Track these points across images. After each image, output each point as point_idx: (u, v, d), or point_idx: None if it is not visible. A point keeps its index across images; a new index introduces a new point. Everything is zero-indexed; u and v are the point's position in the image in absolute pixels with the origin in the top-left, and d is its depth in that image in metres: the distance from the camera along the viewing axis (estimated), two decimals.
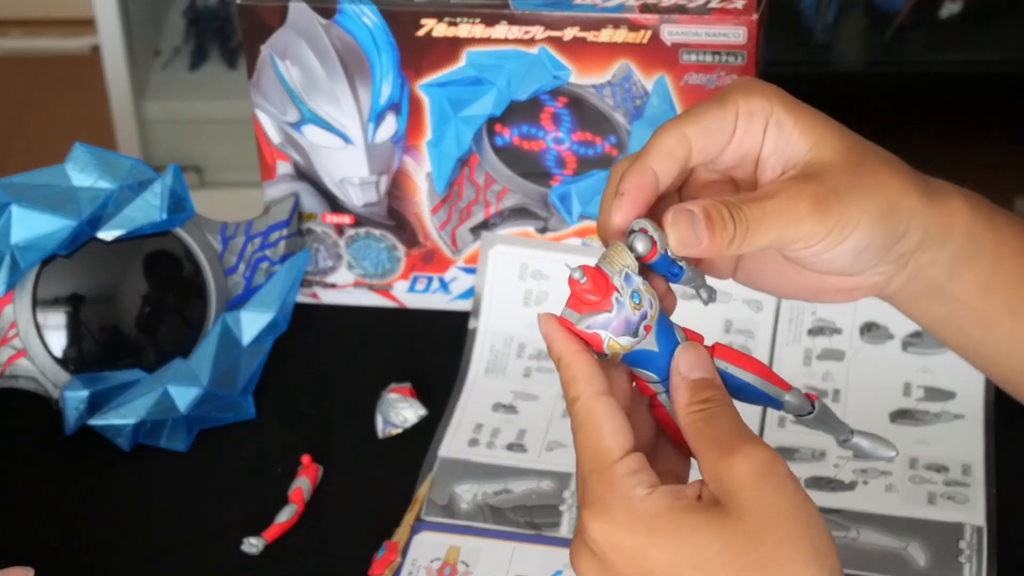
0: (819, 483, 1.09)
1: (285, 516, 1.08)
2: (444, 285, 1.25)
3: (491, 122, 1.19)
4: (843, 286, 0.86)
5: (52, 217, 1.12)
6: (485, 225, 1.23)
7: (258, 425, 1.17)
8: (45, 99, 2.68)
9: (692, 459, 0.81)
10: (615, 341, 0.79)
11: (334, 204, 1.23)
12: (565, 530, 1.07)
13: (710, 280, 0.85)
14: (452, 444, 1.13)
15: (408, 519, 1.08)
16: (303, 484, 1.10)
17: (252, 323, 1.16)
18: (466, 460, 1.12)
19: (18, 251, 1.12)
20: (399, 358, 1.21)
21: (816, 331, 1.18)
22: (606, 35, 1.15)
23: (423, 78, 1.18)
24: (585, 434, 0.77)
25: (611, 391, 0.79)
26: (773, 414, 1.14)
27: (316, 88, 1.19)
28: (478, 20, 1.15)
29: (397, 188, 1.22)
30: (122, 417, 1.12)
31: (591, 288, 0.78)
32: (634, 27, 1.14)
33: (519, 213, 1.22)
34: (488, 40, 1.16)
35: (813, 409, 0.83)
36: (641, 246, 0.81)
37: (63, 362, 1.16)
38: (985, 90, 2.33)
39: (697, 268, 0.84)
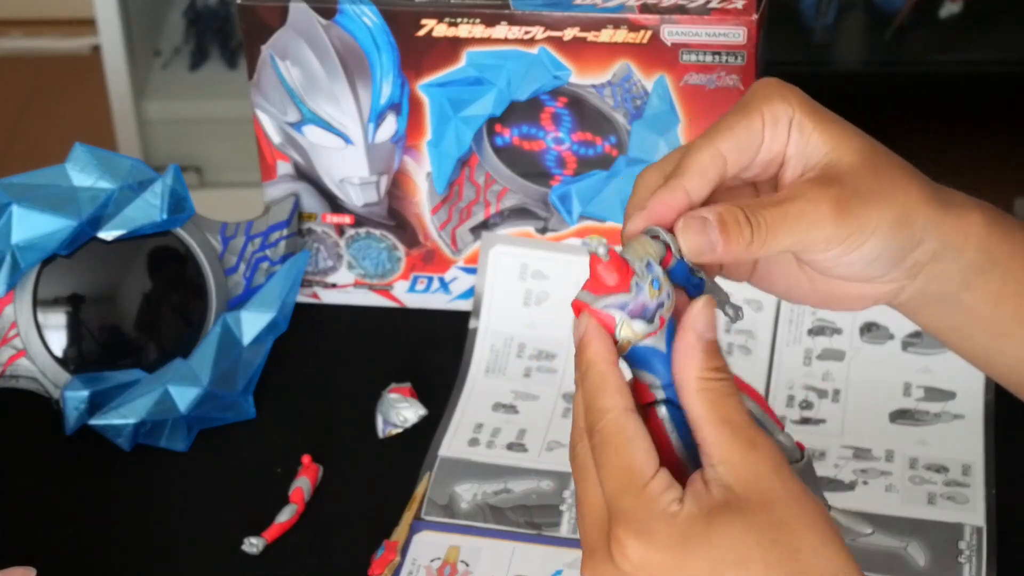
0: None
1: (285, 516, 1.08)
2: (444, 285, 1.25)
3: (491, 122, 1.19)
4: (855, 293, 0.86)
5: (52, 217, 1.12)
6: (485, 225, 1.23)
7: (258, 425, 1.17)
8: (45, 99, 2.68)
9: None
10: (629, 326, 0.77)
11: (334, 204, 1.23)
12: (565, 530, 1.07)
13: (727, 285, 0.84)
14: (452, 444, 1.13)
15: (407, 518, 1.08)
16: (303, 484, 1.10)
17: (252, 323, 1.16)
18: (466, 460, 1.12)
19: (19, 251, 1.12)
20: (399, 358, 1.21)
21: (816, 331, 1.18)
22: (606, 35, 1.15)
23: (423, 78, 1.18)
24: (616, 451, 0.75)
25: None
26: None
27: (316, 88, 1.19)
28: (478, 20, 1.15)
29: (397, 188, 1.22)
30: (122, 417, 1.12)
31: (611, 266, 0.76)
32: (634, 27, 1.14)
33: (519, 213, 1.22)
34: (488, 40, 1.16)
35: (802, 458, 0.81)
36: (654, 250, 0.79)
37: (63, 362, 1.16)
38: (985, 90, 2.33)
39: (718, 273, 0.83)
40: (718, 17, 1.13)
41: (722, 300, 0.81)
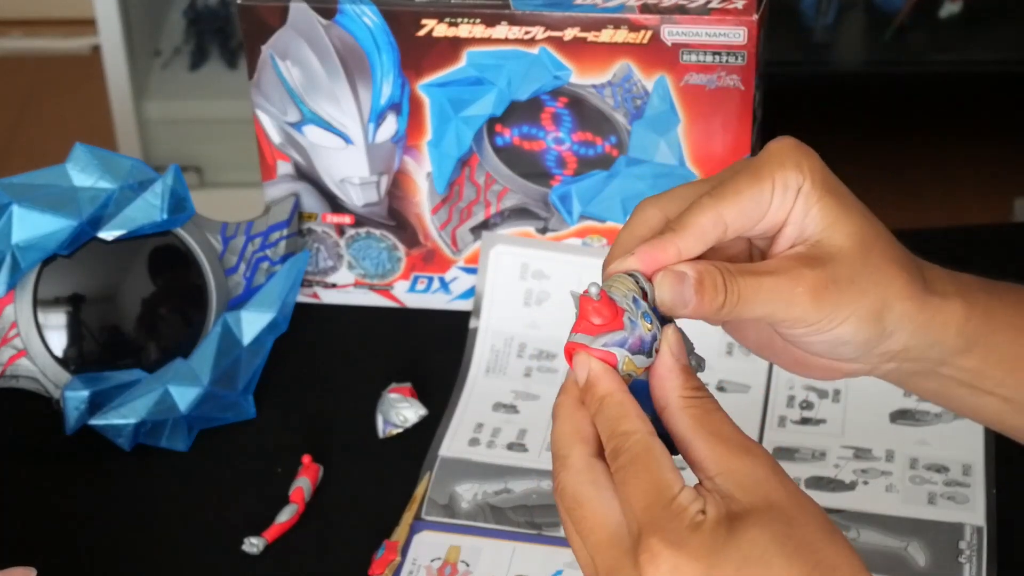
0: (819, 483, 1.09)
1: (286, 516, 1.08)
2: (444, 285, 1.25)
3: (491, 122, 1.19)
4: (826, 365, 0.87)
5: (53, 217, 1.12)
6: (485, 225, 1.23)
7: (258, 425, 1.17)
8: (46, 99, 2.68)
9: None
10: (631, 360, 0.78)
11: (334, 204, 1.23)
12: None
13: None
14: (453, 444, 1.13)
15: (407, 518, 1.08)
16: (304, 484, 1.10)
17: (252, 323, 1.16)
18: (467, 460, 1.12)
19: (19, 251, 1.12)
20: (399, 358, 1.21)
21: None
22: (606, 35, 1.15)
23: (424, 78, 1.18)
24: (645, 468, 0.76)
25: None
26: (772, 415, 1.14)
27: (317, 88, 1.19)
28: (478, 20, 1.15)
29: (397, 188, 1.22)
30: (123, 417, 1.12)
31: (603, 305, 0.77)
32: (634, 27, 1.14)
33: (519, 213, 1.22)
34: (489, 40, 1.16)
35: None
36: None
37: (64, 362, 1.16)
38: (985, 90, 2.33)
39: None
40: (718, 17, 1.13)
41: (688, 349, 0.82)
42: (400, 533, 1.07)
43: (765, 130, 1.18)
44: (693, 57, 1.14)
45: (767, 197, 0.81)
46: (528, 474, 1.11)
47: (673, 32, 1.14)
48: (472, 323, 1.21)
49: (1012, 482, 1.09)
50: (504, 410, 1.16)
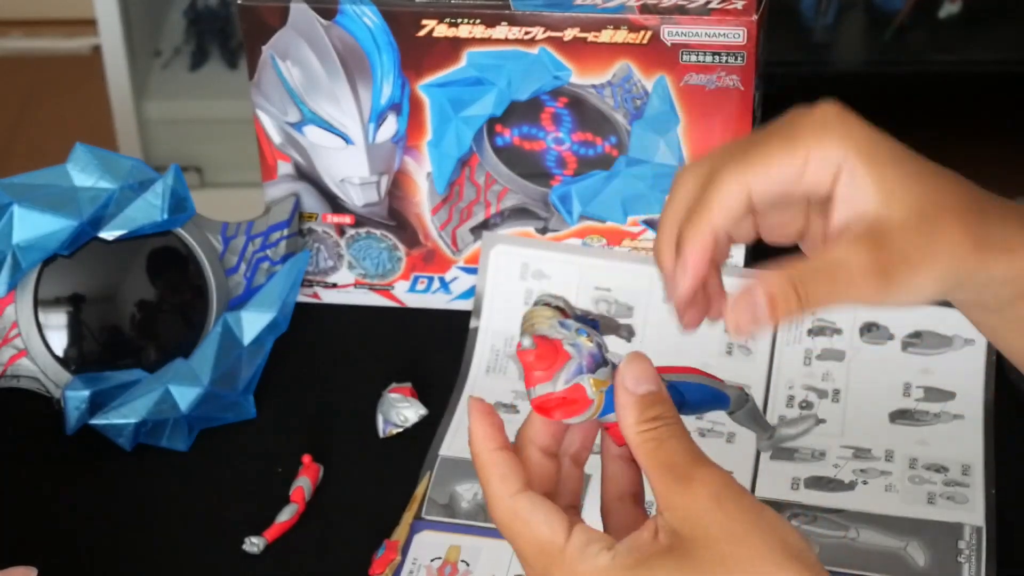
0: (819, 483, 1.09)
1: (286, 516, 1.09)
2: (445, 285, 1.25)
3: (491, 122, 1.19)
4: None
5: (53, 217, 1.12)
6: (485, 225, 1.23)
7: (258, 425, 1.17)
8: (46, 99, 2.68)
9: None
10: (595, 379, 0.76)
11: (335, 204, 1.23)
12: None
13: None
14: (453, 443, 1.14)
15: (407, 518, 1.08)
16: (304, 483, 1.10)
17: (253, 323, 1.16)
18: (467, 459, 1.12)
19: (19, 251, 1.12)
20: (400, 358, 1.21)
21: (816, 331, 1.18)
22: (606, 35, 1.15)
23: (424, 78, 1.18)
24: (518, 536, 0.75)
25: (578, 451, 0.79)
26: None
27: (317, 88, 1.19)
28: (478, 21, 1.15)
29: (398, 188, 1.22)
30: (123, 417, 1.13)
31: (542, 348, 0.76)
32: (634, 27, 1.14)
33: (519, 213, 1.23)
34: (489, 40, 1.16)
35: (747, 401, 0.82)
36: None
37: (64, 362, 1.16)
38: (984, 90, 2.33)
39: None
40: (718, 17, 1.13)
41: (615, 326, 0.81)
42: (400, 533, 1.07)
43: None
44: (693, 57, 1.14)
45: (798, 168, 0.78)
46: None
47: (673, 32, 1.14)
48: (472, 323, 1.21)
49: (1011, 482, 1.09)
50: (504, 410, 1.16)
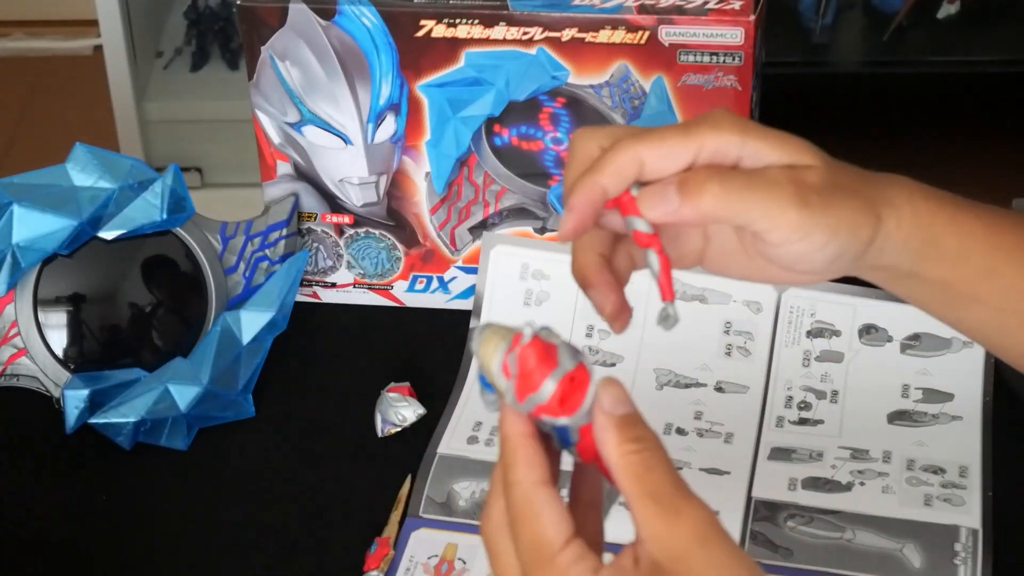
0: (816, 484, 1.10)
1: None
2: (443, 285, 1.25)
3: (490, 122, 1.19)
4: (809, 276, 0.84)
5: (53, 217, 1.13)
6: (484, 225, 1.23)
7: (258, 424, 1.17)
8: (47, 99, 2.69)
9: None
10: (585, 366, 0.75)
11: (334, 204, 1.24)
12: None
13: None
14: (451, 441, 1.14)
15: (394, 517, 1.08)
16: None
17: (252, 322, 1.16)
18: (465, 457, 1.13)
19: (19, 251, 1.13)
20: (398, 357, 1.21)
21: (815, 333, 1.18)
22: (604, 36, 1.15)
23: (422, 79, 1.18)
24: (524, 524, 0.75)
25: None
26: (771, 415, 1.14)
27: (316, 89, 1.19)
28: (477, 21, 1.16)
29: (396, 188, 1.22)
30: (122, 416, 1.13)
31: (531, 352, 0.74)
32: (632, 28, 1.14)
33: (518, 213, 1.23)
34: (487, 41, 1.16)
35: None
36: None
37: (64, 361, 1.16)
38: (983, 90, 2.33)
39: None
40: (716, 18, 1.13)
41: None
42: (389, 531, 1.07)
43: None
44: (690, 58, 1.15)
45: (691, 150, 0.79)
46: None
47: (670, 33, 1.14)
48: (472, 323, 1.21)
49: (1008, 485, 1.09)
50: None
